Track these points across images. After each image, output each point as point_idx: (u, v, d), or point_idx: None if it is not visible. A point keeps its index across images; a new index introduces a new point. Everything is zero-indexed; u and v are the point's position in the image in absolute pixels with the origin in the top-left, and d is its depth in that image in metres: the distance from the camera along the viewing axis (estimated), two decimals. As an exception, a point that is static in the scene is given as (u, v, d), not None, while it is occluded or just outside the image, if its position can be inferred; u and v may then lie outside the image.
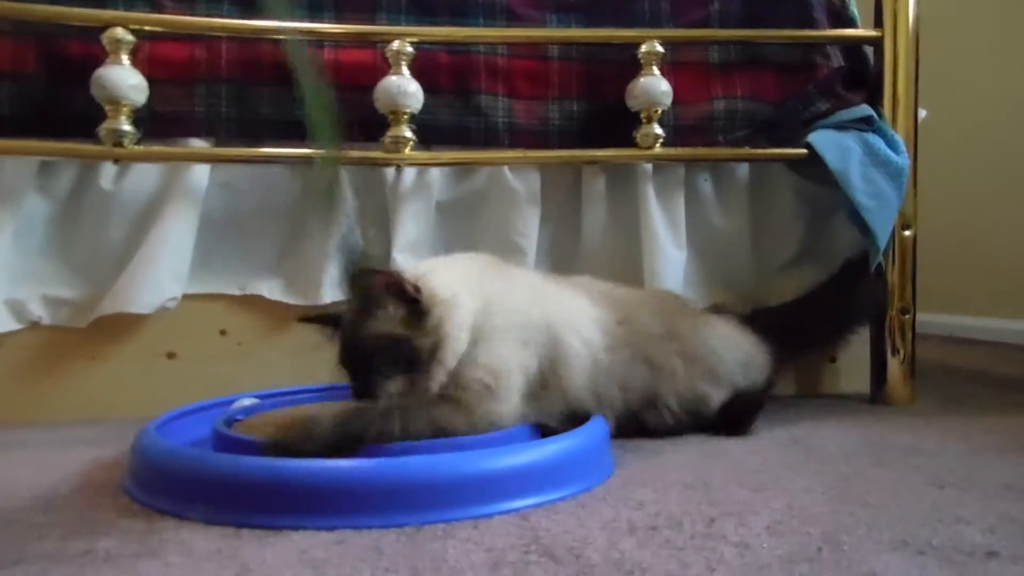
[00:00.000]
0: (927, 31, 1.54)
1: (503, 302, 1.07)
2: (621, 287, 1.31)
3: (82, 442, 1.20)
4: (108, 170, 1.40)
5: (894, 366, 1.52)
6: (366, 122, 1.42)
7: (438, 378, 0.99)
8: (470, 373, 1.00)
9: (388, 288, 0.99)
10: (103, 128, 1.31)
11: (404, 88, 1.39)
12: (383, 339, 0.98)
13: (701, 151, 1.52)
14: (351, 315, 1.01)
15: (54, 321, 1.40)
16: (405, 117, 1.40)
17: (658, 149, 1.48)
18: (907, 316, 1.52)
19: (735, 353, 1.28)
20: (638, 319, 1.21)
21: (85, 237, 1.43)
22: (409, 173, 1.47)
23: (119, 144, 1.32)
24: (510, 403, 1.02)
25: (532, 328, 1.07)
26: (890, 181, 1.46)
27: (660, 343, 1.21)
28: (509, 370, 1.03)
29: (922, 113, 1.56)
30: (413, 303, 1.00)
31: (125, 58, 1.31)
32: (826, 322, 1.50)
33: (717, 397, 1.24)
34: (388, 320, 0.99)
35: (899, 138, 1.49)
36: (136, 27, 1.33)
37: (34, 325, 1.39)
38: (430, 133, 1.46)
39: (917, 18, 1.51)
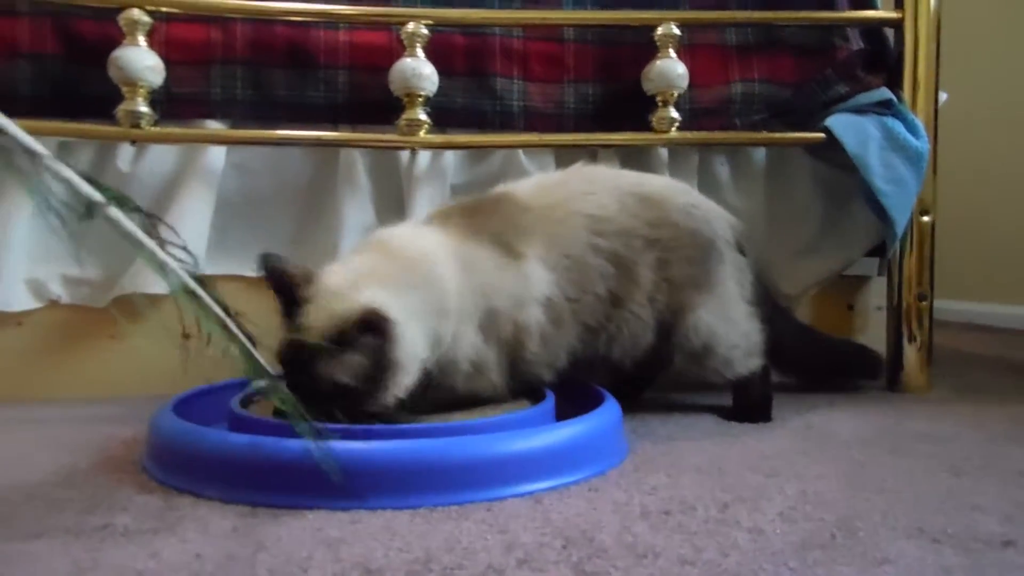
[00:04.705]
0: (948, 13, 1.52)
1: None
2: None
3: (100, 419, 1.22)
4: (125, 151, 1.41)
5: (911, 353, 1.51)
6: (381, 105, 1.42)
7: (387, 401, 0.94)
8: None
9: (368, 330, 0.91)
10: (120, 109, 1.31)
11: (419, 71, 1.39)
12: (338, 387, 0.90)
13: (717, 135, 1.51)
14: (304, 345, 0.91)
15: (73, 300, 1.41)
16: (420, 100, 1.40)
17: (674, 133, 1.46)
18: (924, 303, 1.51)
19: (734, 349, 1.23)
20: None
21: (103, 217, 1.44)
22: (424, 156, 1.47)
23: (136, 125, 1.32)
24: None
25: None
26: (909, 166, 1.44)
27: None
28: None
29: (942, 96, 1.53)
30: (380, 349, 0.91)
31: (142, 39, 1.31)
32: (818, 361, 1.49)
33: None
34: (351, 367, 0.90)
35: (919, 122, 1.47)
36: (153, 8, 1.32)
37: (53, 304, 1.40)
38: (445, 116, 1.45)
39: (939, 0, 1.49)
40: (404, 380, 0.95)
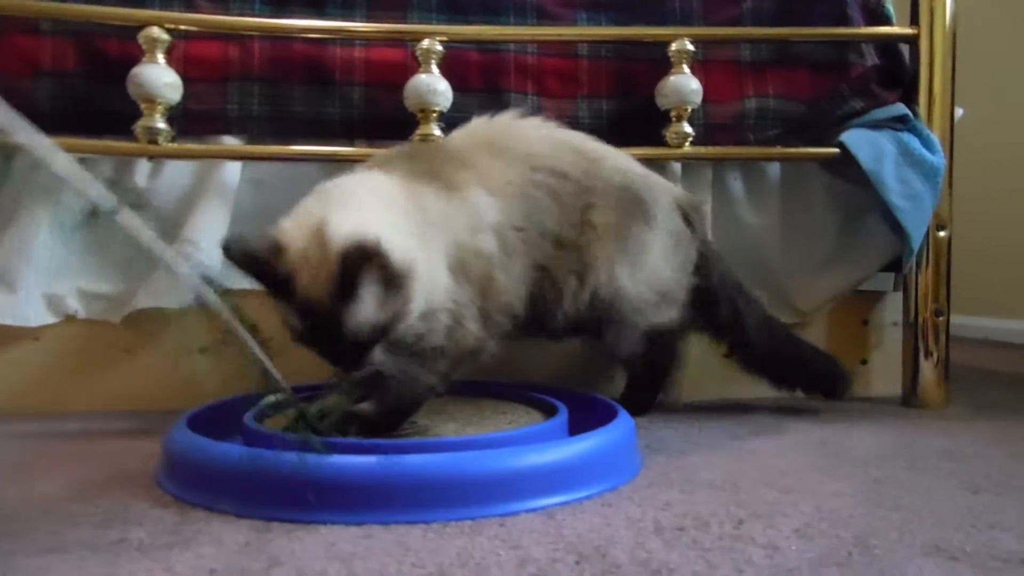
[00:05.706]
0: (964, 28, 1.51)
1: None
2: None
3: (116, 433, 1.23)
4: (143, 167, 1.43)
5: (927, 369, 1.50)
6: (396, 120, 1.43)
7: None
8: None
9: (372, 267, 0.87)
10: (139, 126, 1.33)
11: (433, 86, 1.40)
12: (370, 328, 0.89)
13: (732, 150, 1.51)
14: (316, 296, 0.88)
15: (90, 315, 1.42)
16: (434, 115, 1.41)
17: (688, 148, 1.47)
18: (941, 318, 1.50)
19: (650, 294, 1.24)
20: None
21: (120, 233, 1.45)
22: (438, 171, 1.48)
23: (154, 141, 1.34)
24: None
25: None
26: (925, 181, 1.44)
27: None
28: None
29: (958, 112, 1.53)
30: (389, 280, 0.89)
31: (161, 57, 1.33)
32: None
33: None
34: (372, 306, 0.88)
35: (935, 137, 1.47)
36: (172, 26, 1.34)
37: (70, 318, 1.41)
38: (459, 131, 1.46)
39: (955, 15, 1.49)
40: (422, 285, 0.93)
